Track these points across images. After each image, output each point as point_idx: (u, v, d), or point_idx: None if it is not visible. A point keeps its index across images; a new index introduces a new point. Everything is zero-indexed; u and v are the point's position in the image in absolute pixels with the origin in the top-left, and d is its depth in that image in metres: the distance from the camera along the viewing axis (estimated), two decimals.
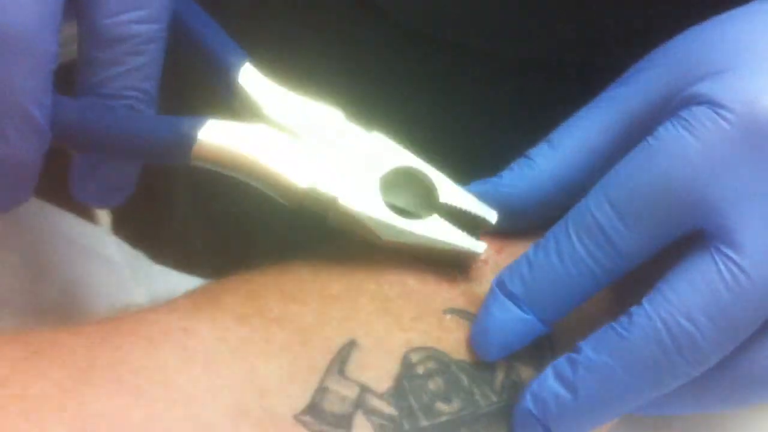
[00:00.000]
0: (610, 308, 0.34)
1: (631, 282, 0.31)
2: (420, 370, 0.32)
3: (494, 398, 0.32)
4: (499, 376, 0.33)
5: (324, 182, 0.32)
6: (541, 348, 0.33)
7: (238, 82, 0.33)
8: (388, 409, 0.31)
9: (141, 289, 0.42)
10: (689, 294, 0.29)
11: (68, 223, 0.42)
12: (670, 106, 0.31)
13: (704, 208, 0.29)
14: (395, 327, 0.32)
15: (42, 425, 0.27)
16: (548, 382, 0.30)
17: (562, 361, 0.31)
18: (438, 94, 0.45)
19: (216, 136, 0.31)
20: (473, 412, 0.32)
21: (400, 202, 0.34)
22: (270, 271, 0.34)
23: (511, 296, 0.32)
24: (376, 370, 0.31)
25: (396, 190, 0.34)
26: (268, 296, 0.33)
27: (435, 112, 0.46)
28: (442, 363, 0.32)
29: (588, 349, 0.30)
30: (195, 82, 0.34)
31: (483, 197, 0.34)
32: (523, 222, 0.35)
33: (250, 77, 0.33)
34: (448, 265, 0.34)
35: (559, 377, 0.30)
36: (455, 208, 0.33)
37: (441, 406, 0.32)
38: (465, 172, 0.35)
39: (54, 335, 0.30)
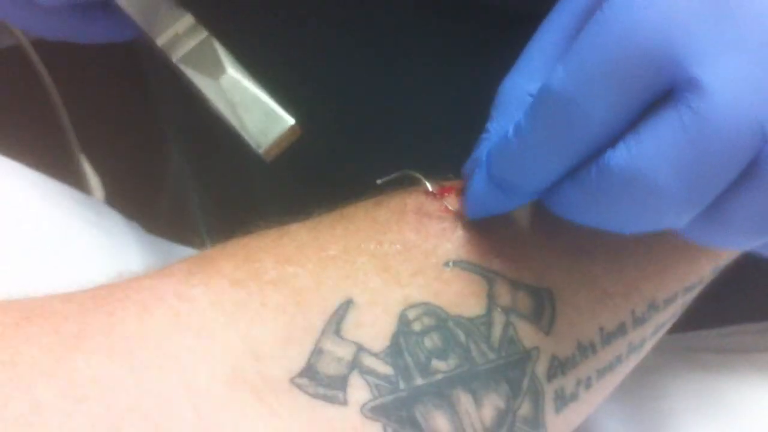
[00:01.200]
0: (605, 263, 0.34)
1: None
2: (416, 327, 0.31)
3: (491, 355, 0.32)
4: (497, 332, 0.32)
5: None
6: (540, 302, 0.33)
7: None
8: (384, 369, 0.31)
9: (136, 260, 0.41)
10: (652, 145, 0.27)
11: (62, 194, 0.42)
12: None
13: (672, 61, 0.27)
14: (393, 283, 0.32)
15: (32, 392, 0.27)
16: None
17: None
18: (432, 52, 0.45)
19: None
20: (470, 369, 0.31)
21: None
22: (267, 234, 0.34)
23: (493, 176, 0.31)
24: (373, 328, 0.31)
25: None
26: (265, 259, 0.32)
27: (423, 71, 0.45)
28: (439, 319, 0.32)
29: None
30: None
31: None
32: None
33: None
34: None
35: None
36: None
37: (437, 363, 0.31)
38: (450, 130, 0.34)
39: (45, 301, 0.30)
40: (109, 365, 0.28)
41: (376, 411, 0.30)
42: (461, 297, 0.32)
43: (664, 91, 0.27)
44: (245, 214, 0.34)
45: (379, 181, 0.33)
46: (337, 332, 0.31)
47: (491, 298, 0.32)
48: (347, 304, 0.31)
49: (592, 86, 0.27)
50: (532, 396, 0.32)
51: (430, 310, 0.32)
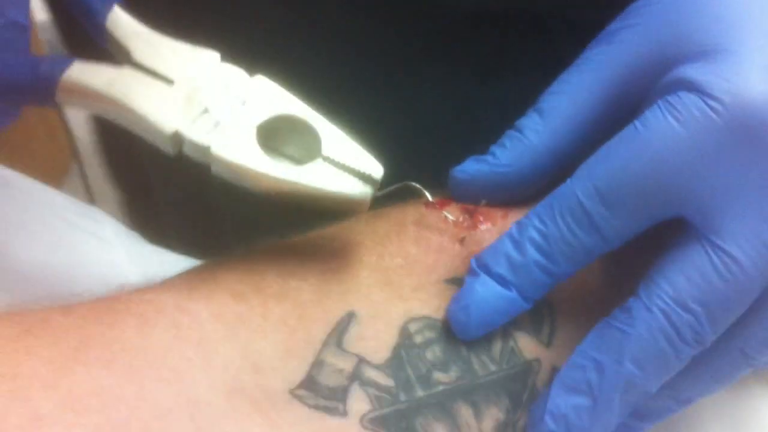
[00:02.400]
0: (604, 275, 0.34)
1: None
2: (418, 339, 0.31)
3: (492, 367, 0.32)
4: (498, 344, 0.32)
5: (192, 128, 0.30)
6: (540, 315, 0.33)
7: (106, 27, 0.31)
8: (385, 381, 0.31)
9: (137, 271, 0.41)
10: (684, 285, 0.29)
11: (64, 204, 0.42)
12: (660, 85, 0.30)
13: (690, 198, 0.29)
14: (396, 297, 0.32)
15: (32, 404, 0.27)
16: (563, 397, 0.30)
17: (567, 371, 0.31)
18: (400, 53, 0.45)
19: (81, 77, 0.30)
20: (470, 382, 0.31)
21: (283, 151, 0.32)
22: (269, 248, 0.34)
23: (493, 275, 0.31)
24: (374, 341, 0.31)
25: (278, 138, 0.32)
26: (267, 273, 0.32)
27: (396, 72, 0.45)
28: (440, 332, 0.32)
29: (593, 351, 0.30)
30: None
31: (477, 175, 0.34)
32: (519, 195, 0.34)
33: (120, 22, 0.32)
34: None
35: (574, 388, 0.30)
36: (338, 160, 0.31)
37: (438, 375, 0.31)
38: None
39: (46, 314, 0.30)
40: (109, 377, 0.28)
41: (375, 422, 0.30)
42: None
43: (685, 220, 0.30)
44: (246, 228, 0.34)
45: (379, 193, 0.33)
46: (339, 344, 0.31)
47: None
48: (350, 317, 0.31)
49: (609, 199, 0.30)
50: None
51: (431, 323, 0.32)
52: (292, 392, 0.30)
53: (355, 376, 0.30)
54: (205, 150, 0.30)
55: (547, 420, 0.30)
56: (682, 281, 0.29)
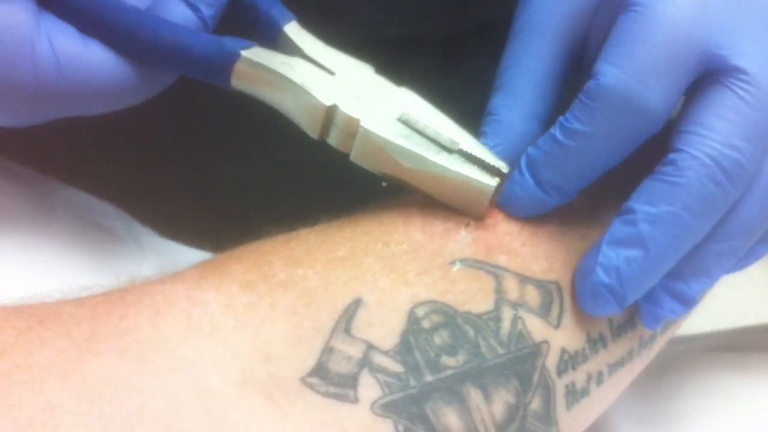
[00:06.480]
0: None
1: None
2: (425, 324, 0.32)
3: (501, 350, 0.32)
4: (506, 327, 0.32)
5: (348, 104, 0.33)
6: (549, 296, 0.33)
7: (284, 32, 0.35)
8: (394, 366, 0.31)
9: (149, 265, 0.42)
10: (723, 125, 0.31)
11: (75, 199, 0.42)
12: None
13: (710, 45, 0.31)
14: (401, 283, 0.32)
15: (46, 394, 0.27)
16: (614, 250, 0.32)
17: (619, 227, 0.32)
18: None
19: (258, 57, 0.34)
20: (479, 365, 0.31)
21: (422, 138, 0.34)
22: (276, 239, 0.34)
23: (537, 178, 0.33)
24: (382, 326, 0.31)
25: (417, 130, 0.34)
26: (274, 262, 0.32)
27: None
28: (447, 315, 0.32)
29: (644, 205, 0.31)
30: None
31: None
32: None
33: (296, 29, 0.36)
34: (457, 210, 0.34)
35: (623, 241, 0.31)
36: (471, 154, 0.33)
37: (446, 360, 0.31)
38: None
39: (58, 306, 0.30)
40: (121, 367, 0.28)
41: (386, 408, 0.30)
42: (469, 294, 0.32)
43: (703, 74, 0.31)
44: (254, 221, 0.35)
45: (384, 184, 0.33)
46: (347, 331, 0.31)
47: (499, 293, 0.33)
48: (356, 304, 0.31)
49: (647, 77, 0.31)
50: (542, 391, 0.32)
51: (438, 307, 0.32)
52: (303, 380, 0.30)
53: (365, 363, 0.31)
54: (355, 123, 0.33)
55: (599, 271, 0.32)
56: (719, 123, 0.31)
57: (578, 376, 0.33)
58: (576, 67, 0.35)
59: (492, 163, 0.33)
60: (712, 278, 0.34)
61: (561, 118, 0.32)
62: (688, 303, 0.34)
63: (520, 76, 0.35)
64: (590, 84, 0.31)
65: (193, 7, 0.34)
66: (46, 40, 0.32)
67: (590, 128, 0.31)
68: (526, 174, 0.33)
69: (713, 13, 0.31)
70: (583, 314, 0.33)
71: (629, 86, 0.31)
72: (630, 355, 0.35)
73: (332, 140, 0.34)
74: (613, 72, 0.31)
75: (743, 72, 0.31)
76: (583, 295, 0.33)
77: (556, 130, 0.32)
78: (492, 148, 0.34)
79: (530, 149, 0.33)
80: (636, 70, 0.31)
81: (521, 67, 0.35)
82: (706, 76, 0.31)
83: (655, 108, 0.31)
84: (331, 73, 0.35)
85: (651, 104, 0.31)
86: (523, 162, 0.33)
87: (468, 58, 0.49)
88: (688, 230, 0.31)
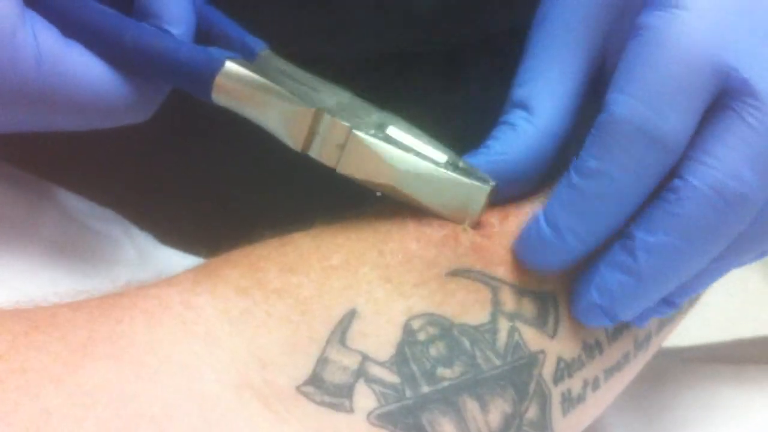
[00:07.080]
0: None
1: None
2: (421, 336, 0.31)
3: (497, 361, 0.32)
4: (502, 338, 0.32)
5: (336, 113, 0.33)
6: (545, 307, 0.33)
7: (261, 56, 0.35)
8: (390, 377, 0.31)
9: (148, 271, 0.41)
10: (729, 154, 0.30)
11: (74, 204, 0.42)
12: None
13: (723, 66, 0.29)
14: (396, 294, 0.32)
15: (41, 399, 0.27)
16: (610, 273, 0.31)
17: (617, 250, 0.31)
18: None
19: (242, 65, 0.33)
20: (475, 376, 0.31)
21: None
22: (270, 243, 0.34)
23: (556, 228, 0.31)
24: (378, 338, 0.31)
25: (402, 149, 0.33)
26: (269, 268, 0.32)
27: None
28: (443, 328, 0.32)
29: (641, 232, 0.31)
30: None
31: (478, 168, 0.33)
32: (517, 187, 0.34)
33: (272, 56, 0.36)
34: (453, 220, 0.33)
35: (619, 266, 0.31)
36: (461, 166, 0.33)
37: (443, 371, 0.31)
38: None
39: (54, 310, 0.30)
40: (116, 372, 0.28)
41: (382, 418, 0.30)
42: (465, 305, 0.32)
43: (719, 95, 0.30)
44: (249, 225, 0.35)
45: (379, 193, 0.33)
46: (342, 341, 0.31)
47: (495, 305, 0.32)
48: (351, 314, 0.31)
49: (661, 104, 0.29)
50: (538, 399, 0.32)
51: (434, 320, 0.32)
52: (299, 389, 0.30)
53: (360, 373, 0.30)
54: (345, 130, 0.32)
55: (593, 292, 0.31)
56: (724, 151, 0.29)
57: (574, 383, 0.33)
58: (596, 82, 0.34)
59: (480, 176, 0.32)
60: (703, 287, 0.34)
61: (574, 159, 0.31)
62: (675, 305, 0.34)
63: (540, 89, 0.33)
64: (602, 117, 0.30)
65: (161, 29, 0.33)
66: (30, 31, 0.31)
67: (607, 165, 0.30)
68: (542, 223, 0.32)
69: (726, 32, 0.30)
70: (579, 324, 0.33)
71: (643, 115, 0.29)
72: (626, 359, 0.35)
73: (315, 151, 0.33)
74: (625, 101, 0.29)
75: (754, 95, 0.29)
76: (577, 310, 0.33)
77: (570, 171, 0.31)
78: (498, 156, 0.33)
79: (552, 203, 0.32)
80: (649, 97, 0.29)
81: (540, 81, 0.33)
82: (718, 99, 0.30)
83: (674, 136, 0.30)
84: (315, 90, 0.34)
85: (668, 132, 0.29)
86: (539, 212, 0.32)
87: (472, 72, 0.49)
88: (686, 261, 0.31)
